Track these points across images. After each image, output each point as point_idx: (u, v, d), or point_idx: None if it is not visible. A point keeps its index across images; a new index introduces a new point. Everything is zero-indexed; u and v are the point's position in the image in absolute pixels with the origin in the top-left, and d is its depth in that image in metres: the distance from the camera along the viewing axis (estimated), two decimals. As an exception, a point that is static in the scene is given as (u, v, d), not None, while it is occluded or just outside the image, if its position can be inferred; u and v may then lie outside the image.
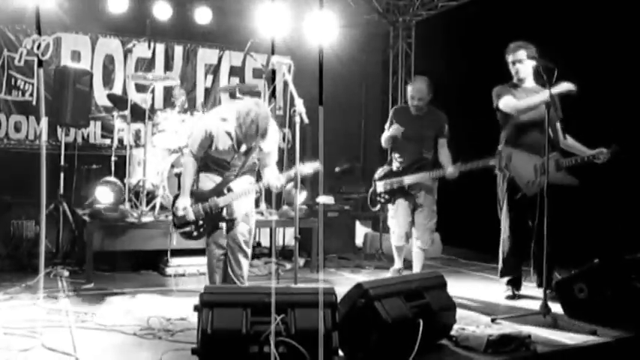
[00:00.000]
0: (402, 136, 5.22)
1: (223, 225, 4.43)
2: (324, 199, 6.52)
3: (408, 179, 5.20)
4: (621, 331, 3.80)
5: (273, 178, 4.33)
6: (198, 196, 4.40)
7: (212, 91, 8.44)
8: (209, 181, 4.45)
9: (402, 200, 5.27)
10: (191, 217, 4.35)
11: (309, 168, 4.23)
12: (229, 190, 4.36)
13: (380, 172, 5.44)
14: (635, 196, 5.66)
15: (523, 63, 4.83)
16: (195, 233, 4.42)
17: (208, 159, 4.40)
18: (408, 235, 5.29)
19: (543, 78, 4.10)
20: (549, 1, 6.41)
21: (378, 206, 5.46)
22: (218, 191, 4.38)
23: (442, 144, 5.31)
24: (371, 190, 5.47)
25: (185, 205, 4.35)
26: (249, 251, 4.47)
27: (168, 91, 6.89)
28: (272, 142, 4.38)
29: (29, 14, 6.80)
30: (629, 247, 4.60)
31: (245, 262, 4.46)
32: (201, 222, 4.38)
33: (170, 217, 4.62)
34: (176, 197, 4.46)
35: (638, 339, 3.75)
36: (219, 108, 4.57)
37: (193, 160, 4.39)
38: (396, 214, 5.30)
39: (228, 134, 4.25)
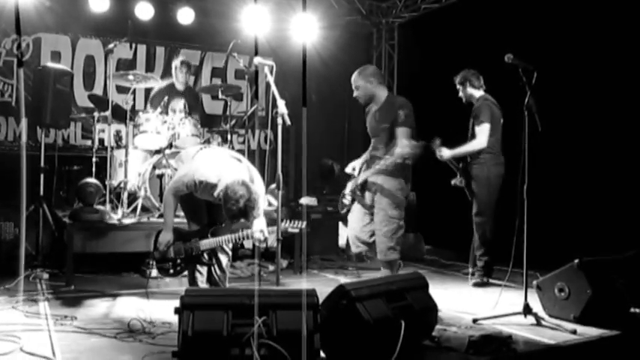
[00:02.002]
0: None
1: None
2: (307, 201, 6.52)
3: (361, 177, 4.67)
4: (601, 331, 3.84)
5: (258, 231, 4.24)
6: (182, 235, 4.43)
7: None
8: (195, 222, 4.51)
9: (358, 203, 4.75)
10: (171, 254, 4.38)
11: (292, 227, 4.19)
12: (213, 234, 4.37)
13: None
14: (617, 197, 5.73)
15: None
16: (171, 271, 4.49)
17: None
18: (363, 242, 4.68)
19: (523, 80, 4.12)
20: (528, 4, 6.48)
21: (345, 209, 4.86)
22: (202, 234, 4.41)
23: (398, 134, 4.47)
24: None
25: (168, 241, 4.37)
26: (229, 251, 4.53)
27: (149, 92, 6.85)
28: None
29: (8, 14, 6.70)
30: (610, 246, 4.66)
31: (225, 261, 4.50)
32: (179, 261, 4.42)
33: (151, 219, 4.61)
34: (159, 232, 4.48)
35: (618, 338, 3.79)
36: (210, 167, 4.26)
37: (174, 199, 4.37)
38: (350, 215, 4.80)
39: (213, 196, 4.20)
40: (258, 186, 4.27)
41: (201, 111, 7.26)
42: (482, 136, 5.41)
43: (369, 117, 4.81)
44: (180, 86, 6.75)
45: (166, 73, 8.06)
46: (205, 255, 4.44)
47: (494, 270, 5.86)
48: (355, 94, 4.74)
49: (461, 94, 5.75)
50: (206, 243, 4.37)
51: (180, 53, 8.24)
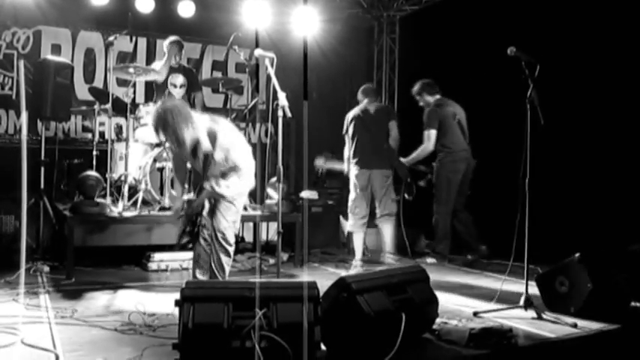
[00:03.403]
0: None
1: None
2: (308, 194, 6.51)
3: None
4: (602, 324, 3.83)
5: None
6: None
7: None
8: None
9: None
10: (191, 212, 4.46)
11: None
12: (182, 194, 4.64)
13: None
14: (619, 191, 5.72)
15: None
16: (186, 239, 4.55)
17: None
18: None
19: (525, 73, 4.10)
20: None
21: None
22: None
23: None
24: None
25: (177, 210, 4.62)
26: (229, 248, 4.45)
27: (150, 85, 6.83)
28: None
29: (8, 7, 6.68)
30: (611, 240, 4.66)
31: (225, 258, 4.47)
32: (189, 228, 4.50)
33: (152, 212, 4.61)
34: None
35: (618, 332, 3.79)
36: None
37: (179, 172, 4.72)
38: None
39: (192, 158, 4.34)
40: (239, 153, 4.36)
41: (201, 89, 7.23)
42: (426, 141, 6.10)
43: None
44: (175, 64, 6.75)
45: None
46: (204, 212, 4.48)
47: (495, 264, 5.90)
48: None
49: (421, 103, 6.29)
50: (177, 204, 4.61)
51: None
